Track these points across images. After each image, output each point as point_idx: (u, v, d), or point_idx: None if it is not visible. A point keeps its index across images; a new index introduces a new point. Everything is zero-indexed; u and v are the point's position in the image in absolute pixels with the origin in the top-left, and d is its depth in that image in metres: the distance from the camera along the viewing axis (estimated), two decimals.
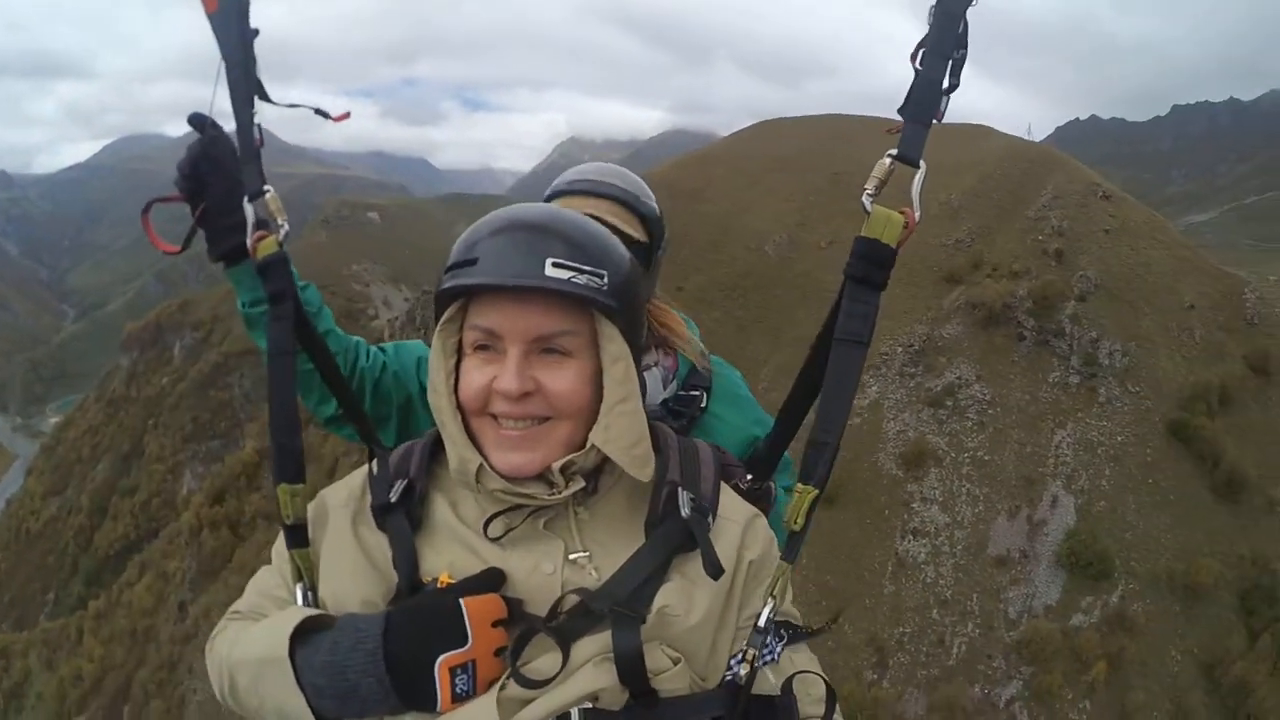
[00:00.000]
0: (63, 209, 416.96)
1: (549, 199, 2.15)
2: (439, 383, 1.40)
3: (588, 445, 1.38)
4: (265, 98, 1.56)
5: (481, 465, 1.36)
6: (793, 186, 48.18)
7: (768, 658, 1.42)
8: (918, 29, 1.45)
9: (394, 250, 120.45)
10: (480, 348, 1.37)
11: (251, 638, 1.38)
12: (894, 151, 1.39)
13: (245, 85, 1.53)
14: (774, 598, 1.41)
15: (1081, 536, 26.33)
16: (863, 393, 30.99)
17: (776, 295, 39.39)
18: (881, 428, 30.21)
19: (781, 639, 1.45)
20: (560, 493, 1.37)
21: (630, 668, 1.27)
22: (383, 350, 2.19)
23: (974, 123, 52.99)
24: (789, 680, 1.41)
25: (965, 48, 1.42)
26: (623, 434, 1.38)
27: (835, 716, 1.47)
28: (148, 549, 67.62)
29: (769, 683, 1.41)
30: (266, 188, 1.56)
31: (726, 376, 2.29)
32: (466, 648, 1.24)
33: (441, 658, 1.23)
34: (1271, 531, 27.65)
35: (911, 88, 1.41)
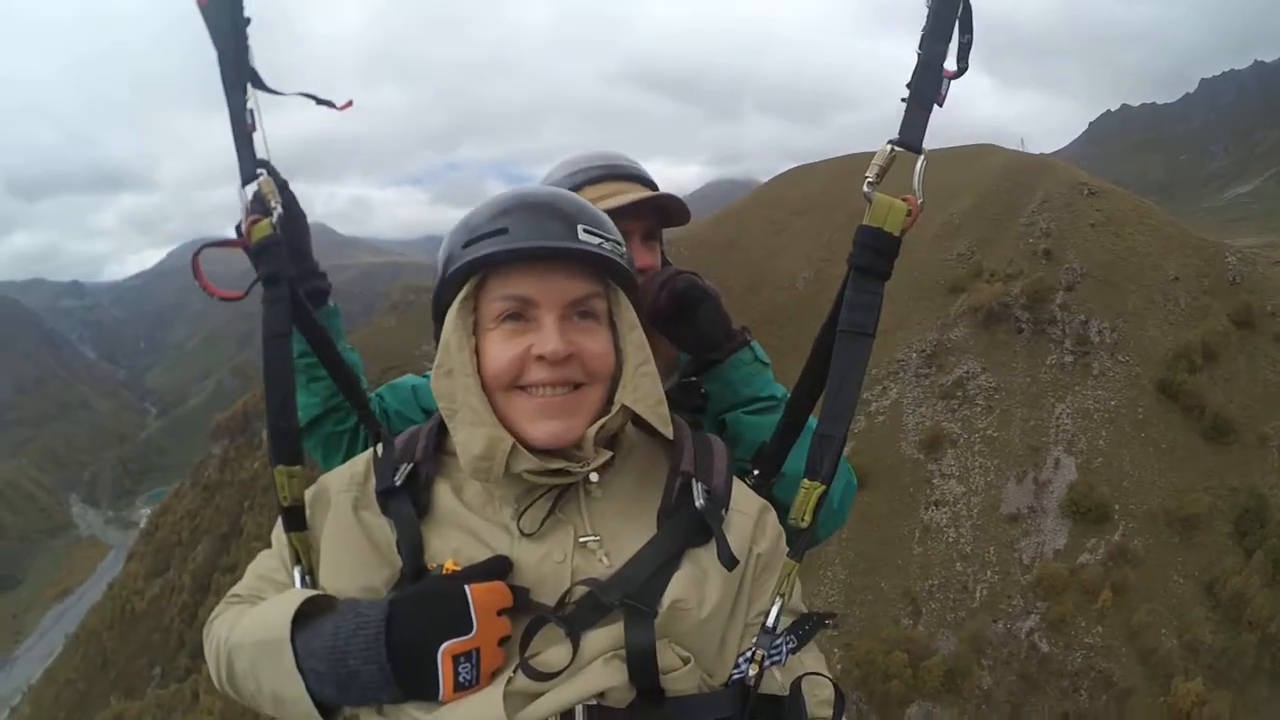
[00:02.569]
0: (133, 313, 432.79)
1: (575, 189, 1.96)
2: (461, 362, 1.34)
3: (615, 407, 1.35)
4: (260, 85, 1.55)
5: (514, 445, 1.29)
6: (818, 227, 52.76)
7: (776, 658, 1.37)
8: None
9: None
10: (509, 319, 1.32)
11: (251, 620, 1.35)
12: (895, 137, 1.33)
13: (237, 73, 1.51)
14: (782, 597, 1.38)
15: (1081, 489, 30.25)
16: (884, 395, 35.42)
17: (809, 324, 43.90)
18: (901, 421, 34.49)
19: (790, 642, 1.40)
20: (588, 465, 1.33)
21: (642, 665, 1.25)
22: (380, 396, 2.11)
23: (980, 142, 56.87)
24: (797, 681, 1.37)
25: (970, 32, 1.35)
26: (648, 393, 1.37)
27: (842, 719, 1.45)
28: None
29: (776, 683, 1.36)
30: (260, 171, 1.53)
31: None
32: (470, 635, 1.20)
33: (444, 645, 1.18)
34: (1261, 464, 31.22)
35: (912, 73, 1.35)
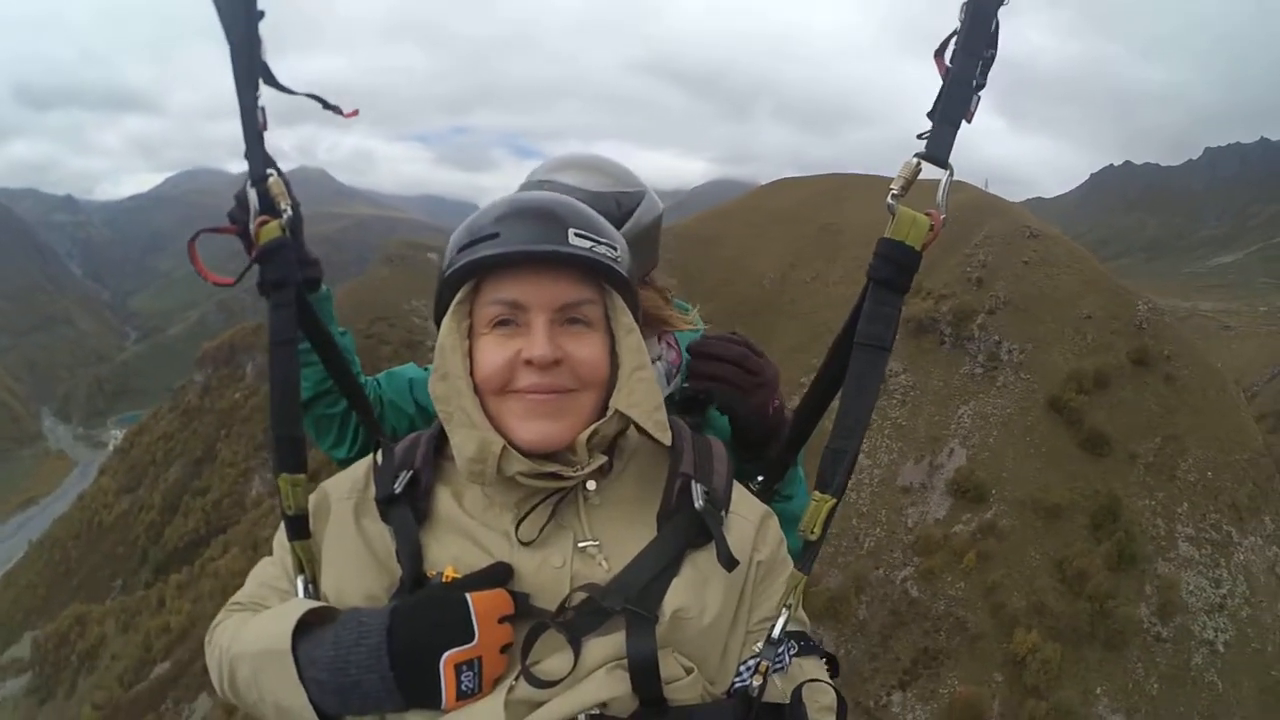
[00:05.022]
0: (125, 236, 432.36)
1: None
2: (454, 365, 1.38)
3: (609, 412, 1.39)
4: (271, 82, 1.56)
5: (504, 447, 1.33)
6: (789, 235, 58.84)
7: (778, 665, 1.42)
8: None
9: None
10: (500, 324, 1.37)
11: (253, 630, 1.38)
12: (921, 151, 1.39)
13: (250, 69, 1.52)
14: (788, 608, 1.42)
15: (965, 473, 36.15)
16: None
17: (770, 318, 49.97)
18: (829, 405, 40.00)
19: (793, 648, 1.46)
20: (583, 469, 1.37)
21: (644, 675, 1.27)
22: (378, 382, 2.20)
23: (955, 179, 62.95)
24: (798, 689, 1.40)
25: (995, 48, 1.38)
26: (644, 399, 1.39)
27: None
28: (232, 530, 71.66)
29: (777, 690, 1.41)
30: (270, 171, 1.56)
31: None
32: (472, 644, 1.23)
33: (446, 654, 1.21)
34: (1125, 476, 36.76)
35: (942, 87, 1.39)
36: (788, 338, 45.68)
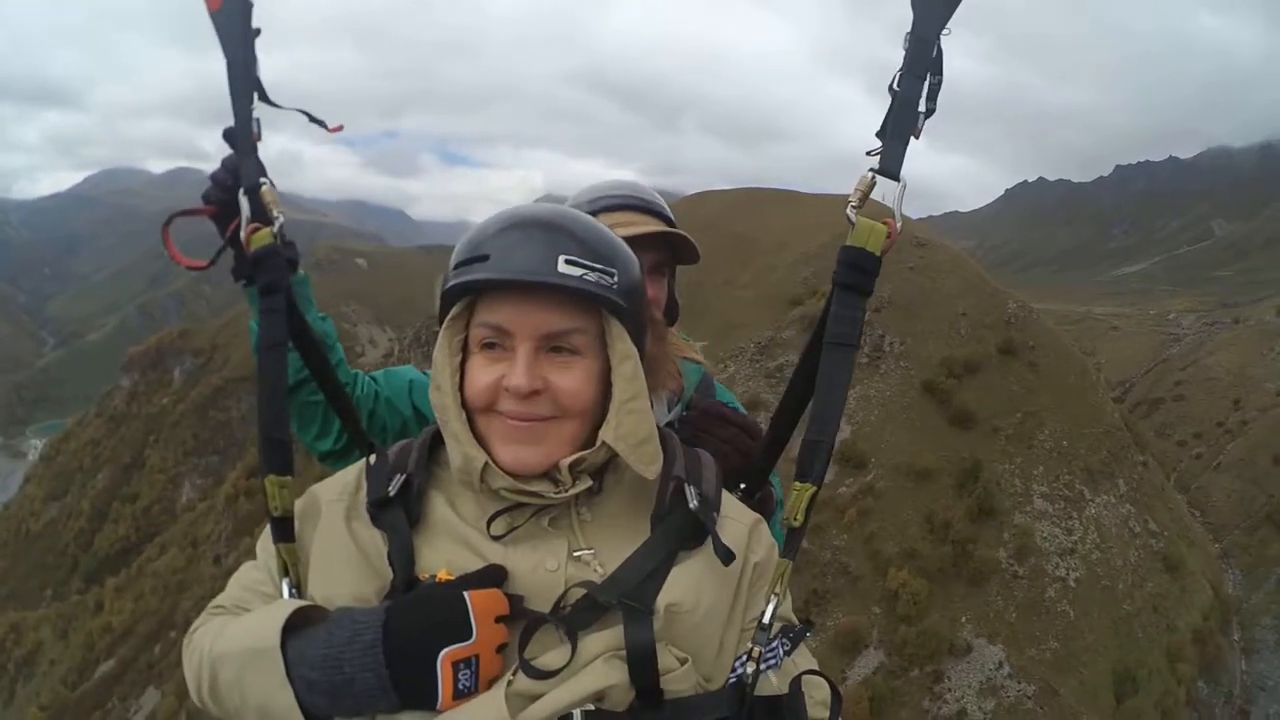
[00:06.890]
0: (42, 236, 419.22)
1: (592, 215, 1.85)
2: (444, 380, 1.39)
3: (598, 443, 1.38)
4: (264, 98, 1.61)
5: (487, 463, 1.35)
6: (705, 243, 64.09)
7: (772, 661, 1.43)
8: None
9: (379, 294, 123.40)
10: (488, 345, 1.38)
11: (237, 630, 1.36)
12: (875, 166, 1.49)
13: (246, 82, 1.58)
14: (777, 595, 1.43)
15: (849, 444, 41.81)
16: (724, 370, 46.69)
17: (683, 318, 55.61)
18: (732, 389, 45.51)
19: (784, 644, 1.46)
20: (566, 490, 1.37)
21: (642, 663, 1.27)
22: (374, 379, 2.23)
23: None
24: (796, 680, 1.42)
25: (940, 74, 1.48)
26: (632, 431, 1.38)
27: None
28: (168, 532, 72.36)
29: (773, 685, 1.42)
30: (263, 180, 1.58)
31: (728, 398, 2.43)
32: (470, 641, 1.22)
33: (444, 652, 1.21)
34: (988, 445, 42.82)
35: (890, 108, 1.49)
36: (699, 336, 49.51)
